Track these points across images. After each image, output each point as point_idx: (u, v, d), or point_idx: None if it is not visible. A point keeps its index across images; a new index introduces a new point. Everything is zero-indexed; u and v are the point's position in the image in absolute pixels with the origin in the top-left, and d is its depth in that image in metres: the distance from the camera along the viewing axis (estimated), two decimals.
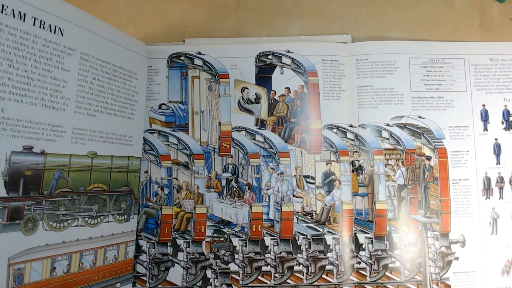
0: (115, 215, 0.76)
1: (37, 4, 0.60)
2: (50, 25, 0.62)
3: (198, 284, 0.83)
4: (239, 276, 0.83)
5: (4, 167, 0.56)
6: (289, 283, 0.82)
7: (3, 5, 0.55)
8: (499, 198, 0.83)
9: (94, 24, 0.71)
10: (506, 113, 0.86)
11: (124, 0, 0.93)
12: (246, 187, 0.86)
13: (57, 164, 0.64)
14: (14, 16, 0.57)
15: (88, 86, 0.69)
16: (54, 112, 0.63)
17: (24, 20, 0.58)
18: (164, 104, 0.89)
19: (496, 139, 0.85)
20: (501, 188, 0.83)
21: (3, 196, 0.56)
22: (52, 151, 0.63)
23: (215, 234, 0.85)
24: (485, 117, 0.86)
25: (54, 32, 0.63)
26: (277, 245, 0.83)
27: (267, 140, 0.86)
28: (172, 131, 0.88)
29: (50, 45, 0.62)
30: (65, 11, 0.65)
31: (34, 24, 0.60)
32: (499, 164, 0.84)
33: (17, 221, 0.58)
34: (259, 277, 0.82)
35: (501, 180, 0.84)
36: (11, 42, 0.57)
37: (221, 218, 0.85)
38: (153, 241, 0.84)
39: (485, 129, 0.86)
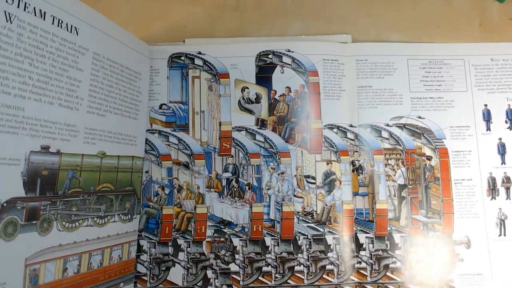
0: (120, 215, 0.76)
1: (56, 3, 0.59)
2: (67, 24, 0.62)
3: (198, 284, 0.84)
4: (240, 277, 0.84)
5: (23, 167, 0.55)
6: (289, 283, 0.84)
7: (25, 3, 0.55)
8: (506, 199, 0.86)
9: (104, 24, 0.70)
10: (510, 113, 0.89)
11: (124, 0, 0.92)
12: (247, 187, 0.88)
13: (71, 164, 0.64)
14: (35, 15, 0.56)
15: (99, 86, 0.69)
16: (69, 111, 0.63)
17: (44, 19, 0.58)
18: (164, 104, 0.89)
19: (500, 139, 0.88)
20: (507, 188, 0.86)
21: (22, 196, 0.55)
22: (66, 151, 0.62)
23: (215, 234, 0.86)
24: (487, 116, 0.88)
25: (71, 32, 0.62)
26: (278, 245, 0.85)
27: (267, 140, 0.88)
28: (172, 131, 0.88)
29: (67, 44, 0.62)
30: (80, 11, 0.64)
31: (53, 23, 0.59)
32: (505, 164, 0.87)
33: (34, 221, 0.58)
34: (260, 278, 0.84)
35: (507, 180, 0.86)
36: (32, 41, 0.56)
37: (222, 218, 0.87)
38: (154, 241, 0.85)
39: (488, 128, 0.88)
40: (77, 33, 0.64)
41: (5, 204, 0.53)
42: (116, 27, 0.74)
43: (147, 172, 0.86)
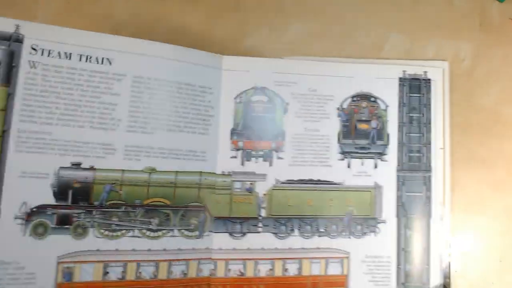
0: (182, 231, 0.76)
1: (83, 43, 0.71)
2: (97, 57, 0.72)
3: None
4: None
5: (53, 180, 0.68)
6: None
7: (49, 51, 0.69)
8: None
9: (149, 47, 0.75)
10: None
11: (124, 0, 0.92)
12: None
13: (108, 178, 0.72)
14: (60, 57, 0.70)
15: (143, 106, 0.74)
16: (103, 132, 0.71)
17: (70, 59, 0.70)
18: None
19: None
20: None
21: (52, 203, 0.68)
22: (102, 167, 0.71)
23: None
24: None
25: (102, 63, 0.72)
26: None
27: None
28: None
29: (98, 74, 0.72)
30: (113, 43, 0.73)
31: (80, 60, 0.71)
32: None
33: (66, 226, 0.69)
34: None
35: None
36: (57, 78, 0.69)
37: None
38: None
39: None
40: (110, 63, 0.73)
41: (34, 209, 0.67)
42: (169, 47, 0.77)
43: None
